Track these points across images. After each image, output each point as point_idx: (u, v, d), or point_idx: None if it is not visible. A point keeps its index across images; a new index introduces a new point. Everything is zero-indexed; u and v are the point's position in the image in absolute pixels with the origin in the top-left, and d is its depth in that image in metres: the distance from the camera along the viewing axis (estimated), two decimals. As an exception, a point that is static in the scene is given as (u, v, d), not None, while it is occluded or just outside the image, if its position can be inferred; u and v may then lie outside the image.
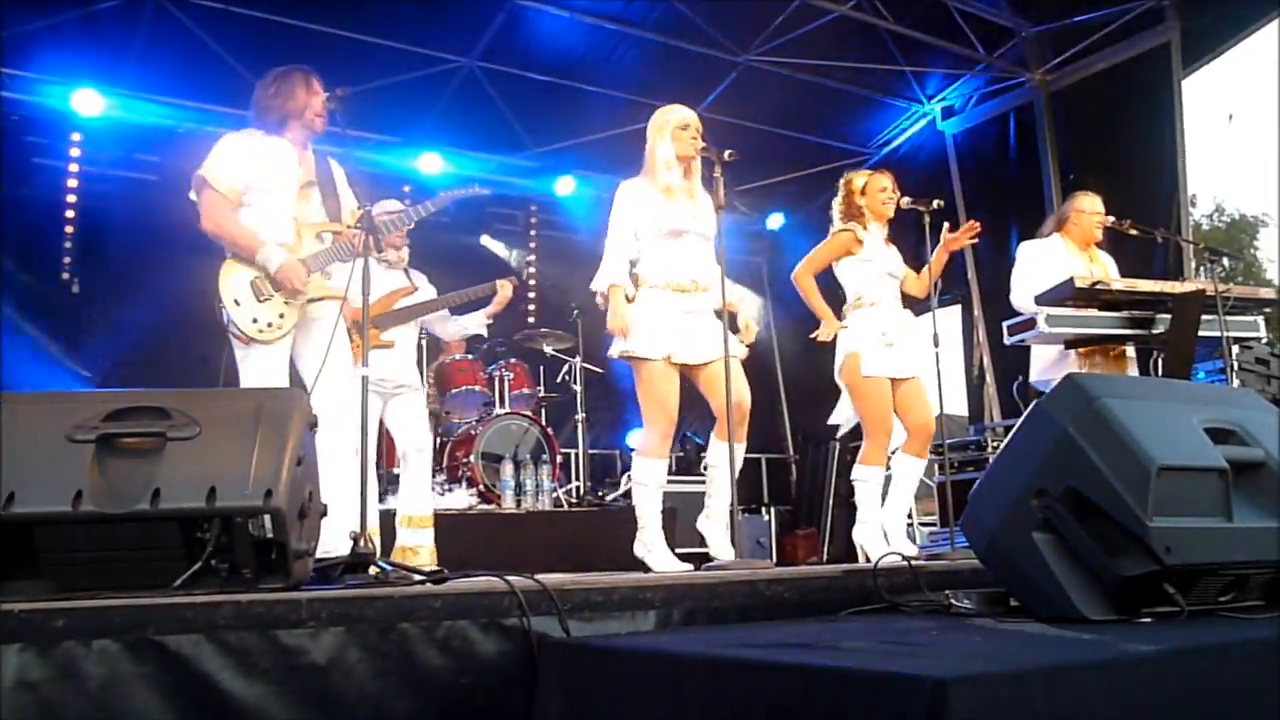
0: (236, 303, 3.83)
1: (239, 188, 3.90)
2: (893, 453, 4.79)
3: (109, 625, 1.98)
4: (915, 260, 4.97)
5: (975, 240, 4.92)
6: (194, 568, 2.40)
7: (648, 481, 4.14)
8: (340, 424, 3.70)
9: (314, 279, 3.92)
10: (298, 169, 4.00)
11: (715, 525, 4.17)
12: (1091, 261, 5.12)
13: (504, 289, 5.62)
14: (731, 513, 4.05)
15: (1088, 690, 1.66)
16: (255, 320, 3.83)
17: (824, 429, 9.27)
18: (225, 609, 2.09)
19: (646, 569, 4.04)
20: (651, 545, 4.09)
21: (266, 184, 3.92)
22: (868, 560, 4.36)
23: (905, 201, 4.79)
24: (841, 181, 4.96)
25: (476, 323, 5.85)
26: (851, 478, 4.73)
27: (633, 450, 8.97)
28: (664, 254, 4.18)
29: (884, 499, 4.70)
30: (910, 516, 7.14)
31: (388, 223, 4.05)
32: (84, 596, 2.19)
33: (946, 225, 4.90)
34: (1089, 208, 5.16)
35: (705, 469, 4.37)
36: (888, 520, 4.63)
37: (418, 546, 4.93)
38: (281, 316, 3.86)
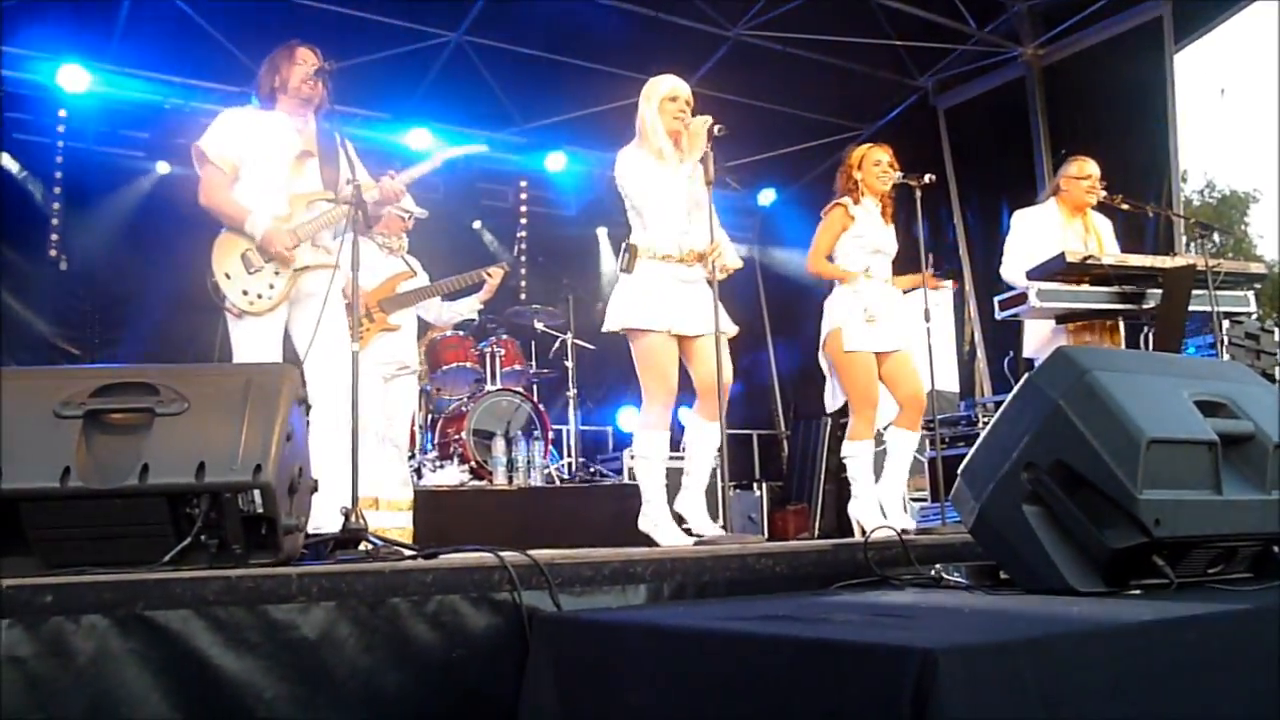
0: (227, 276, 3.86)
1: (234, 162, 3.95)
2: (885, 428, 4.79)
3: (98, 601, 1.98)
4: (907, 234, 4.97)
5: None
6: (183, 543, 2.39)
7: (650, 455, 4.10)
8: (332, 399, 3.69)
9: (305, 248, 3.91)
10: (295, 139, 4.00)
11: (693, 502, 4.11)
12: (1085, 230, 5.10)
13: (495, 275, 5.68)
14: (723, 489, 4.03)
15: (1076, 661, 1.67)
16: (245, 292, 3.85)
17: (815, 405, 9.31)
18: (214, 584, 2.08)
19: (650, 543, 4.03)
20: (657, 520, 4.05)
21: (260, 157, 3.95)
22: (863, 535, 4.36)
23: (896, 176, 4.78)
24: (844, 155, 4.98)
25: (469, 307, 5.95)
26: (841, 454, 4.74)
27: (621, 427, 9.04)
28: (657, 224, 4.15)
29: (879, 475, 4.71)
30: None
31: (381, 185, 4.04)
32: (72, 572, 2.18)
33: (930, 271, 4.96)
34: (1076, 173, 5.14)
35: (684, 446, 4.27)
36: (884, 496, 4.63)
37: (393, 529, 4.95)
38: (271, 287, 3.87)
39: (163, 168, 7.74)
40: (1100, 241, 5.04)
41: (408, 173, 4.20)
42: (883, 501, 4.63)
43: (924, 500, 7.21)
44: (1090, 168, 5.13)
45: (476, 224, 9.19)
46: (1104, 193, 5.09)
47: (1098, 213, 5.21)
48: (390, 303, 5.23)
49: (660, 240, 4.12)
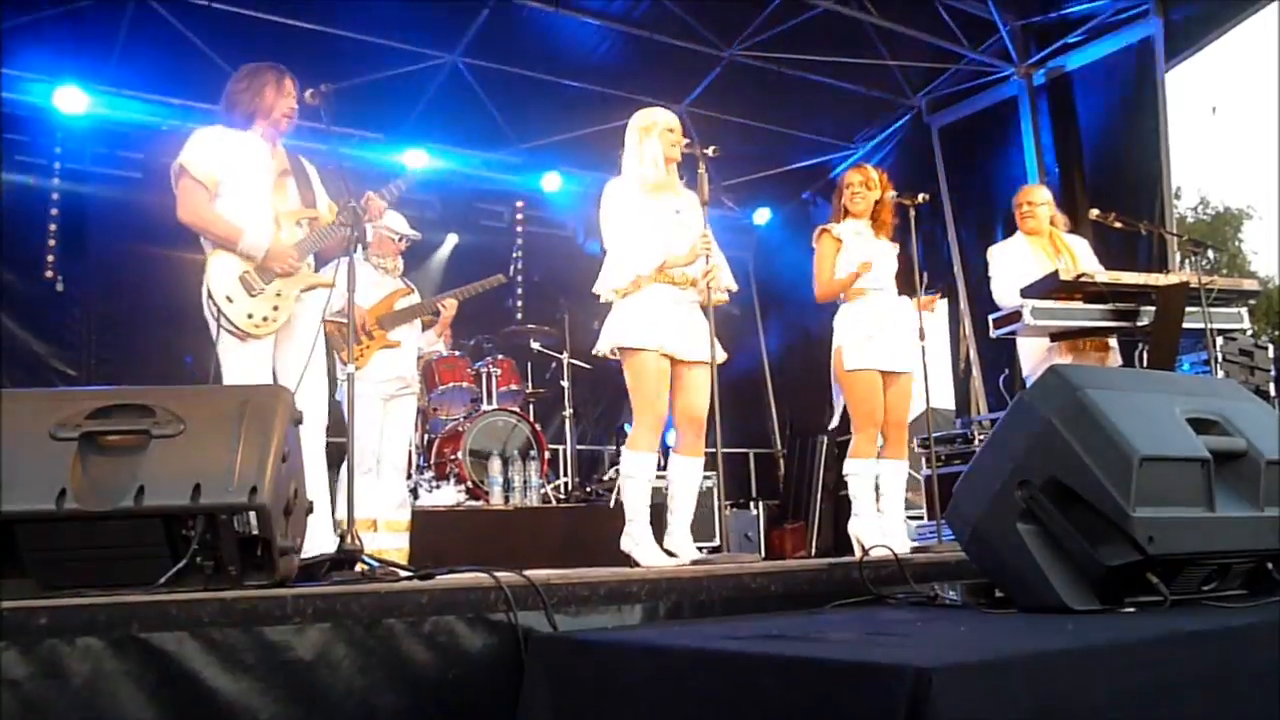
0: (229, 299, 3.78)
1: (215, 177, 3.87)
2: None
3: (93, 623, 1.98)
4: (901, 251, 4.99)
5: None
6: (178, 565, 2.40)
7: (635, 475, 4.12)
8: (325, 421, 3.70)
9: (306, 269, 3.92)
10: (270, 160, 4.00)
11: (680, 538, 4.13)
12: (1056, 250, 5.14)
13: (449, 306, 5.68)
14: (720, 507, 4.05)
15: (1071, 679, 1.67)
16: (250, 315, 3.79)
17: (811, 423, 9.32)
18: (210, 606, 2.08)
19: (634, 563, 4.04)
20: (639, 539, 4.07)
21: (241, 176, 3.90)
22: (863, 552, 4.37)
23: (890, 195, 4.82)
24: None
25: (428, 342, 6.02)
26: (843, 472, 4.75)
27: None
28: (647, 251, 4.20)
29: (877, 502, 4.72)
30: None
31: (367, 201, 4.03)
32: (68, 594, 2.19)
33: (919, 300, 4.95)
34: (1018, 199, 5.26)
35: (667, 484, 4.27)
36: (886, 527, 4.64)
37: (391, 550, 4.95)
38: (275, 309, 3.84)
39: (160, 189, 7.74)
40: (1074, 259, 5.07)
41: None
42: (886, 534, 4.62)
43: (920, 518, 7.21)
44: (1032, 195, 5.24)
45: (452, 238, 9.16)
46: (1094, 211, 5.13)
47: (1070, 233, 5.27)
48: (389, 320, 5.25)
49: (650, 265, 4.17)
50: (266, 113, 3.96)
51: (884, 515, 4.67)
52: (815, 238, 4.88)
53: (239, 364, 3.81)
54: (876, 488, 4.70)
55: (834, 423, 4.92)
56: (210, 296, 3.79)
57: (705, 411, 4.15)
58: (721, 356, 4.13)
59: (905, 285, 4.98)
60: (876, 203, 4.84)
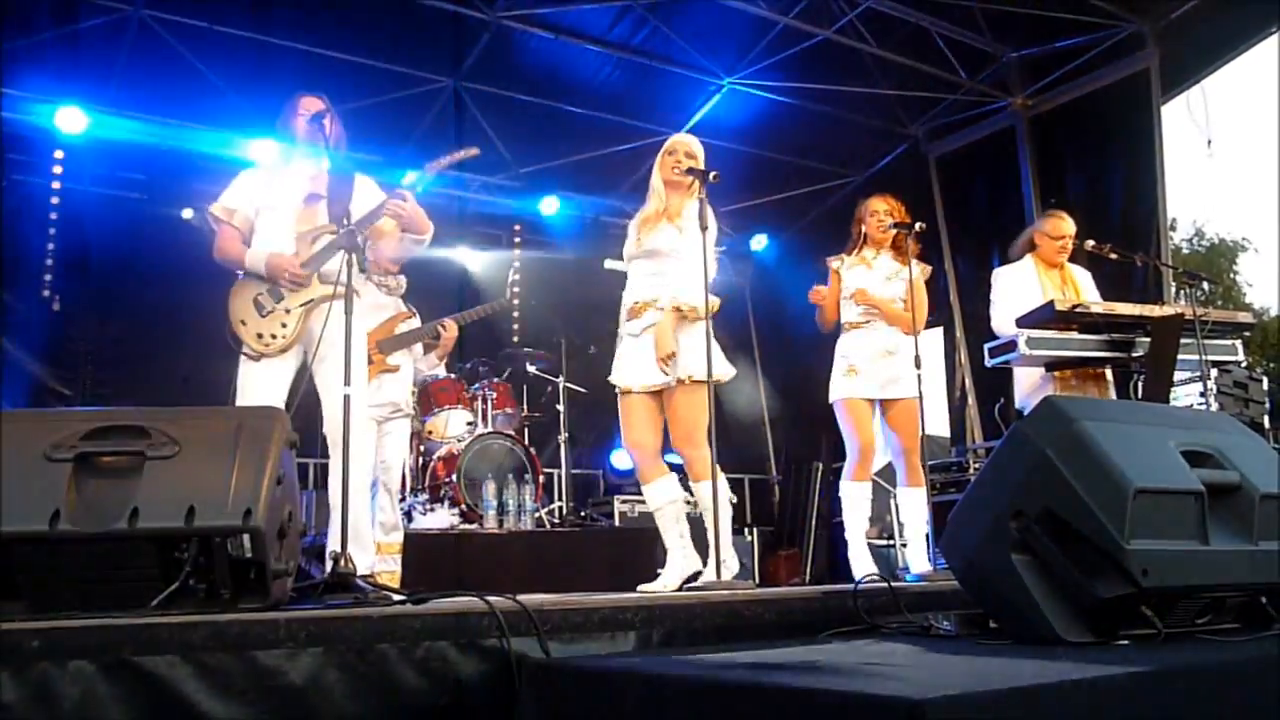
0: (243, 323, 3.97)
1: (249, 216, 4.08)
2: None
3: (85, 646, 1.97)
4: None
5: None
6: (171, 588, 2.39)
7: (652, 502, 4.25)
8: (359, 445, 3.70)
9: (316, 284, 3.98)
10: (306, 185, 4.12)
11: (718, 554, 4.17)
12: (1064, 281, 5.14)
13: (450, 329, 5.70)
14: (715, 534, 4.06)
15: (1064, 712, 1.67)
16: (260, 335, 3.95)
17: (807, 449, 9.31)
18: (202, 629, 2.08)
19: (629, 590, 4.06)
20: (670, 561, 4.15)
21: (270, 207, 4.07)
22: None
23: (890, 223, 4.88)
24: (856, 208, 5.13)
25: (429, 365, 6.03)
26: (839, 495, 4.81)
27: (615, 469, 9.05)
28: (640, 279, 4.24)
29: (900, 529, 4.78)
30: (891, 538, 7.18)
31: (390, 207, 4.07)
32: (60, 616, 2.17)
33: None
34: (1051, 231, 5.14)
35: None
36: (909, 553, 4.74)
37: (383, 573, 4.94)
38: (284, 326, 3.97)
39: (159, 209, 7.76)
40: (1078, 292, 5.07)
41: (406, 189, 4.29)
42: (910, 557, 4.73)
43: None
44: (1065, 227, 5.17)
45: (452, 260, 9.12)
46: (1090, 243, 5.14)
47: (1075, 264, 5.27)
48: (388, 344, 5.25)
49: (637, 295, 4.22)
50: (293, 137, 4.17)
51: (908, 541, 4.73)
52: (830, 274, 4.94)
53: (253, 384, 3.96)
54: (897, 514, 4.77)
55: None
56: (228, 321, 3.98)
57: (693, 434, 4.13)
58: (724, 375, 4.16)
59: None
60: (896, 232, 4.89)
